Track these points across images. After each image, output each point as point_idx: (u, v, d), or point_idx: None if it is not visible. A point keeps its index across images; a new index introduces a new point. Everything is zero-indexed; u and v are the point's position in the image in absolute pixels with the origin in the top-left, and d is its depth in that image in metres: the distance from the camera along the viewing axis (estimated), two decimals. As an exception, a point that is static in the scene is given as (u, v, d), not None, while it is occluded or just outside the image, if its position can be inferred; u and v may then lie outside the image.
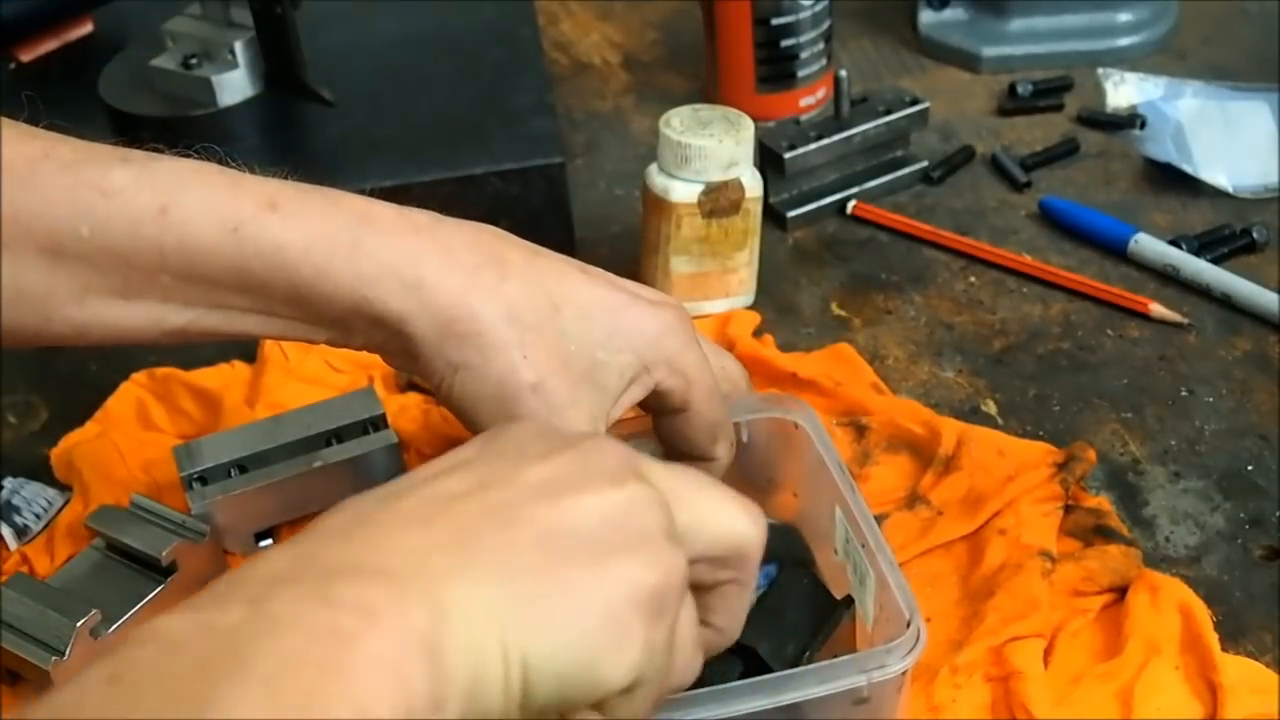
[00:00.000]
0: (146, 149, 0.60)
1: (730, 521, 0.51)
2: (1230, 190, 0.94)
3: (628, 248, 0.91)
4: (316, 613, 0.40)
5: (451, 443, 0.76)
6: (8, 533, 0.75)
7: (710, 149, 0.83)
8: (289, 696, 0.38)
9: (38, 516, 0.76)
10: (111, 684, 0.39)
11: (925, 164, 0.99)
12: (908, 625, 0.57)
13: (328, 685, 0.39)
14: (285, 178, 0.61)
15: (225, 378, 0.83)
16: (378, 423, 0.76)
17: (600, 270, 0.64)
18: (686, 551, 0.48)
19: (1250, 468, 0.76)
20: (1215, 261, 0.88)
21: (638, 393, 0.63)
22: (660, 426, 0.66)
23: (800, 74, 1.03)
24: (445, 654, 0.42)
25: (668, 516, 0.48)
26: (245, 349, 0.84)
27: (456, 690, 0.42)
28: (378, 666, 0.40)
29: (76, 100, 0.96)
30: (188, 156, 0.61)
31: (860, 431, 0.78)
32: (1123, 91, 1.04)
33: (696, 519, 0.50)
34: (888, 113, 0.97)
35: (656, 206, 0.85)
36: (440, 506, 0.46)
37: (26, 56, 1.04)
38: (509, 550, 0.45)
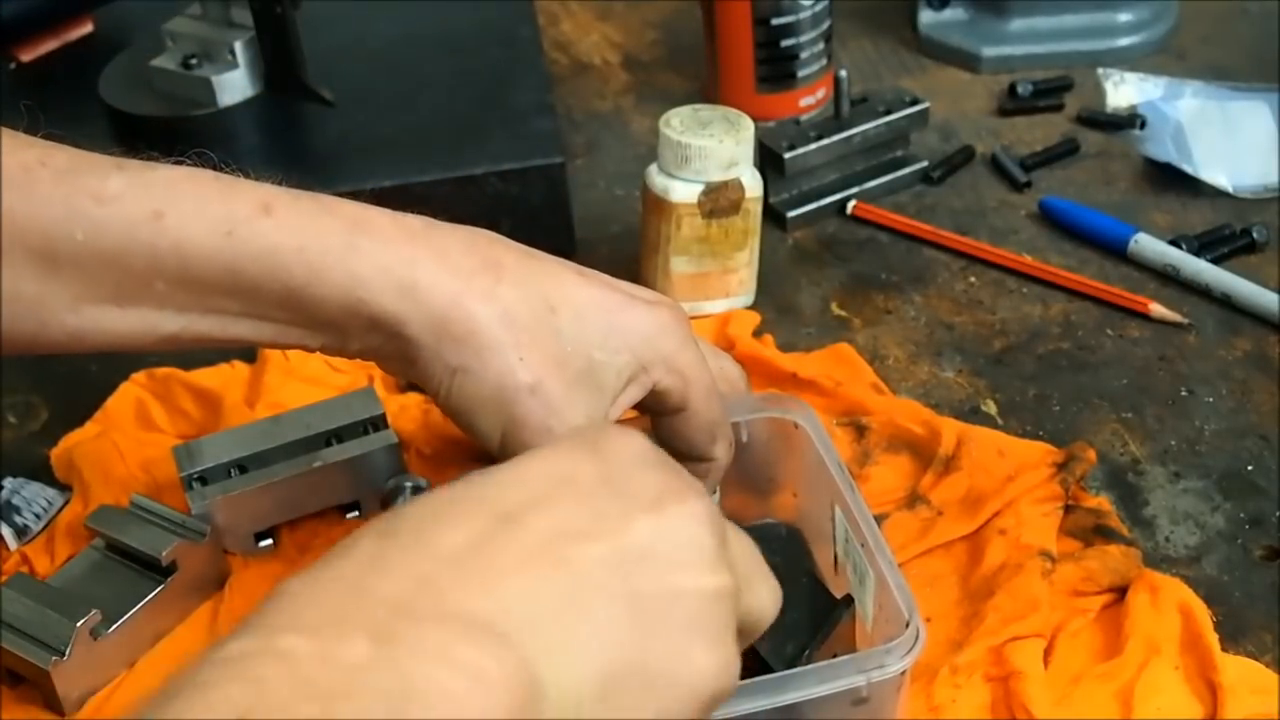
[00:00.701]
0: (142, 158, 0.61)
1: (767, 607, 0.51)
2: (1230, 190, 0.94)
3: (628, 248, 0.91)
4: (440, 671, 0.41)
5: (451, 443, 0.77)
6: (8, 533, 0.75)
7: (710, 149, 0.83)
8: None
9: (38, 516, 0.76)
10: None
11: (925, 164, 0.99)
12: (906, 625, 0.57)
13: None
14: (279, 182, 0.61)
15: (225, 378, 0.83)
16: (378, 423, 0.76)
17: (595, 271, 0.64)
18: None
19: (1250, 468, 0.76)
20: (1215, 261, 0.88)
21: (636, 393, 0.63)
22: (659, 427, 0.66)
23: (800, 74, 1.03)
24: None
25: (735, 610, 0.48)
26: (245, 349, 0.84)
27: None
28: None
29: (76, 100, 0.96)
30: (182, 164, 0.61)
31: (860, 431, 0.78)
32: (1123, 91, 1.04)
33: (750, 606, 0.50)
34: (888, 113, 0.97)
35: (656, 206, 0.85)
36: (554, 550, 0.45)
37: (26, 56, 1.04)
38: (608, 624, 0.45)
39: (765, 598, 0.50)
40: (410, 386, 0.82)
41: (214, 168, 0.61)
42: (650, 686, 0.45)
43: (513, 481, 0.47)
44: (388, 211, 0.62)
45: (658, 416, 0.65)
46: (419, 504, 0.46)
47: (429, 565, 0.44)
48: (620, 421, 0.64)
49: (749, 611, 0.49)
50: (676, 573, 0.46)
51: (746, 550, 0.50)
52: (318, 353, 0.63)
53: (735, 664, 0.47)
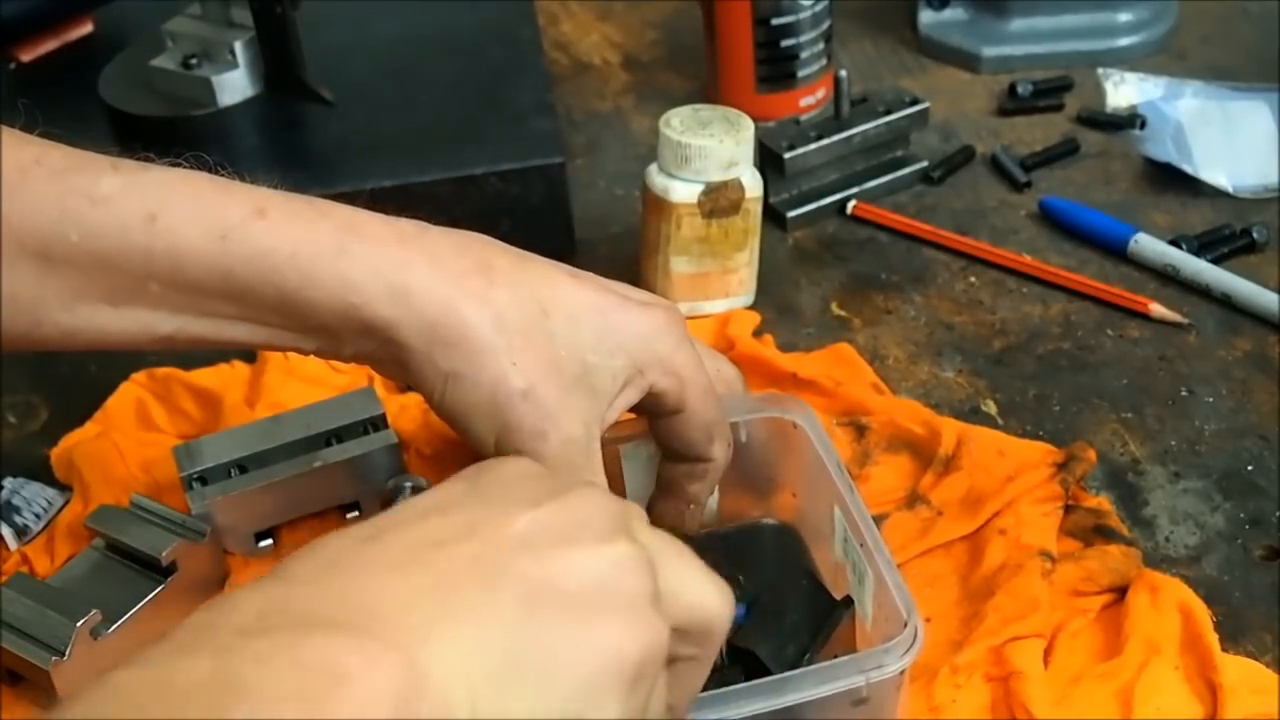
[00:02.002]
0: (138, 158, 0.61)
1: (707, 596, 0.49)
2: (1230, 190, 0.94)
3: (628, 248, 0.91)
4: (284, 673, 0.39)
5: (451, 443, 0.77)
6: (8, 533, 0.75)
7: (710, 149, 0.83)
8: None
9: (38, 516, 0.76)
10: None
11: (925, 164, 0.99)
12: (905, 625, 0.57)
13: None
14: (276, 185, 0.61)
15: (225, 378, 0.83)
16: (378, 423, 0.76)
17: (589, 274, 0.64)
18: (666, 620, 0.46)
19: (1250, 468, 0.76)
20: (1215, 261, 0.88)
21: (632, 395, 0.63)
22: (657, 429, 0.66)
23: (800, 74, 1.03)
24: (418, 715, 0.40)
25: (653, 581, 0.46)
26: (244, 350, 0.84)
27: None
28: None
29: (76, 100, 0.96)
30: (179, 165, 0.61)
31: (860, 431, 0.78)
32: (1123, 91, 1.04)
33: (676, 588, 0.47)
34: (888, 113, 0.97)
35: (656, 206, 0.85)
36: (420, 553, 0.44)
37: (26, 56, 1.04)
38: (490, 606, 0.43)
39: (702, 592, 0.48)
40: (410, 387, 0.82)
41: (210, 169, 0.61)
42: (556, 663, 0.43)
43: (379, 518, 0.46)
44: (380, 215, 0.62)
45: (655, 418, 0.65)
46: (288, 555, 0.45)
47: (280, 589, 0.42)
48: (617, 423, 0.64)
49: (688, 608, 0.47)
50: (565, 551, 0.45)
51: (667, 541, 0.49)
52: (313, 356, 0.63)
53: (653, 632, 0.45)
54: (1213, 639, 0.65)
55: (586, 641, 0.44)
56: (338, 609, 0.41)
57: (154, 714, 0.38)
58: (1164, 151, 0.96)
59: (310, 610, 0.41)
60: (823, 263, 0.93)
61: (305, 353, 0.63)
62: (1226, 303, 0.86)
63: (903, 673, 0.57)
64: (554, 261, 0.64)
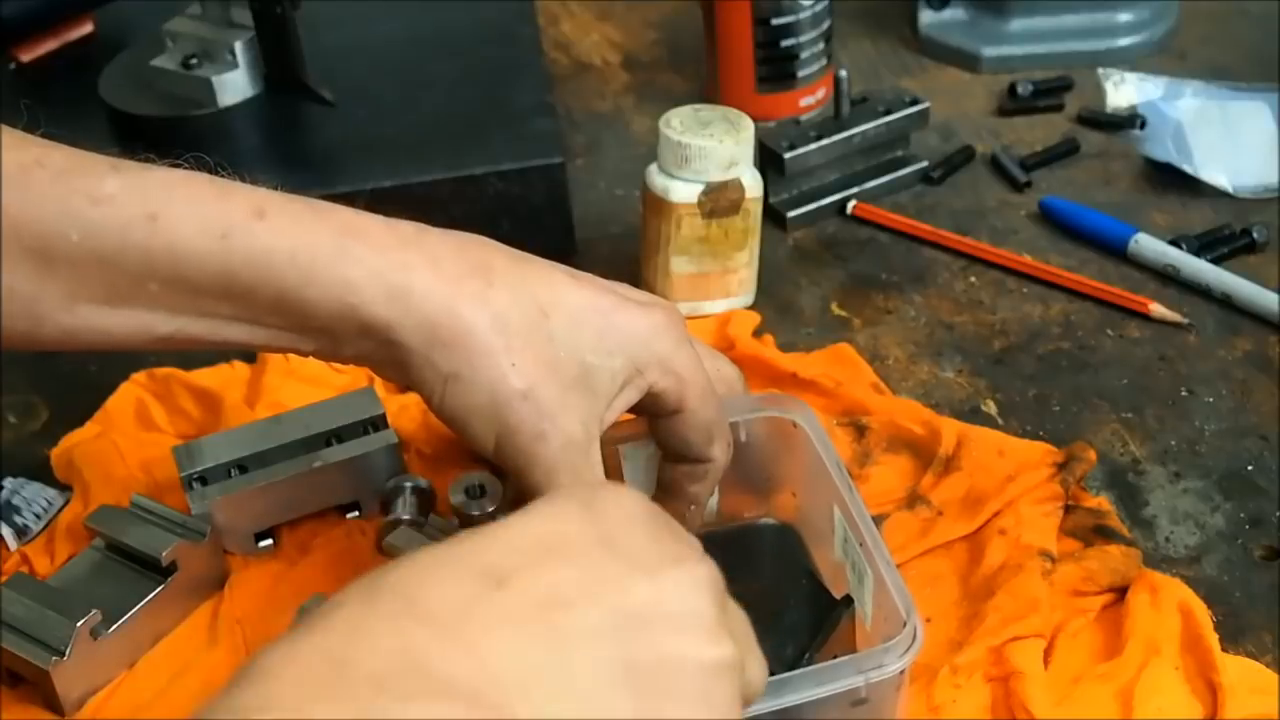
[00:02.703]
0: (139, 159, 0.61)
1: (761, 675, 0.50)
2: (1230, 190, 0.94)
3: (628, 248, 0.91)
4: None
5: (451, 443, 0.77)
6: (8, 533, 0.75)
7: (710, 149, 0.83)
8: None
9: (38, 516, 0.76)
10: None
11: (925, 164, 0.99)
12: (904, 624, 0.57)
13: None
14: (276, 185, 0.61)
15: (225, 378, 0.83)
16: (378, 423, 0.76)
17: (588, 274, 0.64)
18: None
19: (1250, 468, 0.76)
20: (1215, 261, 0.88)
21: (632, 395, 0.63)
22: (656, 429, 0.66)
23: (800, 74, 1.03)
24: None
25: (740, 687, 0.47)
26: (243, 350, 0.84)
27: None
28: None
29: (76, 100, 0.96)
30: (179, 166, 0.61)
31: (860, 431, 0.78)
32: (1123, 91, 1.04)
33: (749, 681, 0.48)
34: (888, 113, 0.97)
35: (656, 206, 0.85)
36: (544, 615, 0.44)
37: (26, 56, 1.04)
38: (604, 691, 0.43)
39: (757, 673, 0.49)
40: (409, 388, 0.82)
41: (210, 170, 0.61)
42: None
43: (502, 541, 0.46)
44: (380, 217, 0.62)
45: (655, 418, 0.65)
46: (405, 562, 0.45)
47: (412, 632, 0.42)
48: (617, 424, 0.64)
49: (745, 685, 0.48)
50: (676, 641, 0.45)
51: (741, 620, 0.49)
52: (311, 357, 0.63)
53: None
54: (1213, 639, 0.65)
55: None
56: (471, 674, 0.42)
57: None
58: (1164, 151, 0.96)
59: (445, 669, 0.42)
60: (823, 263, 0.93)
61: (304, 353, 0.63)
62: (1226, 303, 0.86)
63: (902, 673, 0.57)
64: (553, 263, 0.64)
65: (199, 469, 0.74)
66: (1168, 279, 0.88)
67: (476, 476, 0.74)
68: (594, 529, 0.47)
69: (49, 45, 1.05)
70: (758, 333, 0.86)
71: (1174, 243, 0.90)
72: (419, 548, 0.47)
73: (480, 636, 0.43)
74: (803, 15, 1.01)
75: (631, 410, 0.64)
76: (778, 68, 1.03)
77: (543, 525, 0.47)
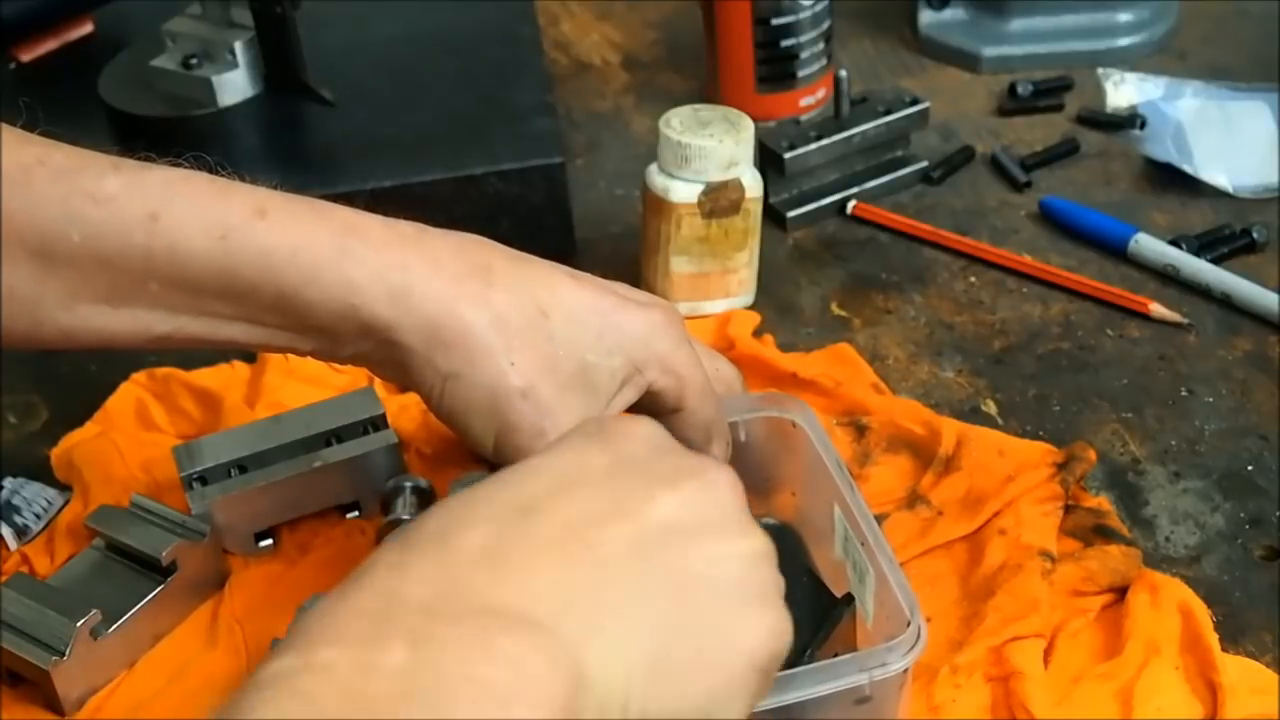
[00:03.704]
0: (139, 158, 0.61)
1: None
2: (1230, 190, 0.94)
3: (628, 248, 0.91)
4: (480, 668, 0.41)
5: (451, 443, 0.77)
6: (8, 533, 0.75)
7: (710, 149, 0.83)
8: None
9: (38, 516, 0.76)
10: None
11: (925, 164, 0.99)
12: (908, 623, 0.57)
13: None
14: (276, 185, 0.61)
15: (225, 378, 0.83)
16: (378, 423, 0.76)
17: (588, 274, 0.64)
18: None
19: (1250, 468, 0.76)
20: (1215, 261, 0.88)
21: (631, 394, 0.63)
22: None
23: (800, 74, 1.03)
24: (580, 713, 0.42)
25: (779, 575, 0.48)
26: (243, 350, 0.84)
27: None
28: None
29: (76, 100, 0.96)
30: (179, 165, 0.61)
31: (860, 431, 0.78)
32: (1123, 91, 1.04)
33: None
34: (888, 113, 0.97)
35: (656, 206, 0.85)
36: (577, 535, 0.45)
37: (26, 56, 1.04)
38: (644, 600, 0.45)
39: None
40: (409, 388, 0.82)
41: (210, 170, 0.61)
42: (703, 659, 0.45)
43: (525, 477, 0.48)
44: (380, 217, 0.62)
45: (654, 418, 0.65)
46: (434, 512, 0.47)
47: (454, 566, 0.44)
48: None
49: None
50: (708, 541, 0.47)
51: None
52: (310, 356, 0.63)
53: (787, 624, 0.47)
54: (1213, 639, 0.65)
55: (732, 637, 0.46)
56: (516, 598, 0.43)
57: (364, 702, 0.40)
58: (1164, 151, 0.96)
59: (492, 597, 0.43)
60: (823, 263, 0.93)
61: (303, 353, 0.63)
62: (1226, 303, 0.86)
63: (905, 671, 0.57)
64: (552, 263, 0.64)
65: (199, 469, 0.74)
66: (1168, 279, 0.88)
67: (476, 476, 0.73)
68: (610, 455, 0.49)
69: (49, 45, 1.05)
70: (758, 333, 0.86)
71: (1174, 243, 0.90)
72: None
73: (519, 564, 0.44)
74: (803, 15, 1.01)
75: (631, 409, 0.64)
76: (778, 68, 1.03)
77: (560, 460, 0.49)
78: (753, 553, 0.47)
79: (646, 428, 0.51)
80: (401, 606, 0.42)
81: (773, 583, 0.48)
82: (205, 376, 0.83)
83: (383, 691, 0.40)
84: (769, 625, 0.47)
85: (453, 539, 0.45)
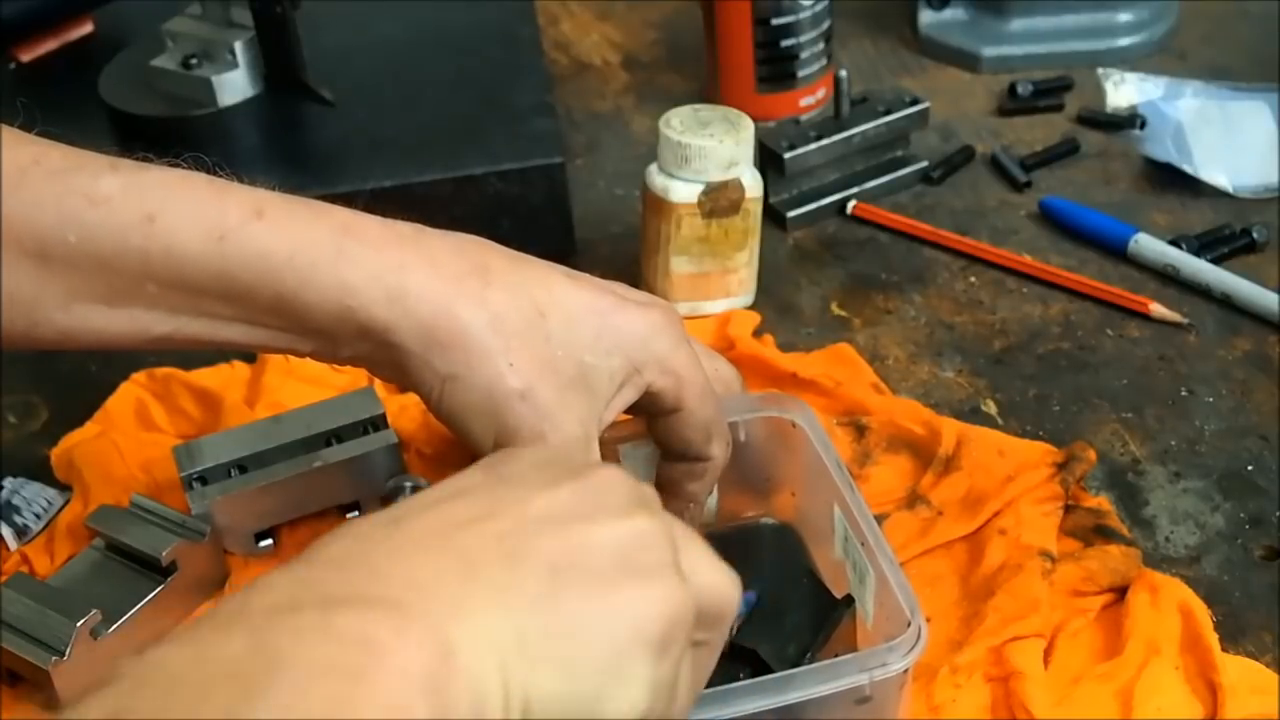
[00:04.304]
0: (136, 159, 0.61)
1: (720, 578, 0.49)
2: (1230, 190, 0.94)
3: (628, 248, 0.91)
4: (320, 646, 0.40)
5: (451, 443, 0.77)
6: (8, 533, 0.75)
7: (710, 149, 0.83)
8: None
9: (38, 516, 0.76)
10: None
11: (925, 164, 0.99)
12: (908, 623, 0.57)
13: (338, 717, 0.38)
14: (274, 186, 0.61)
15: (225, 378, 0.83)
16: (378, 423, 0.76)
17: (586, 275, 0.64)
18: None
19: (1250, 468, 0.76)
20: (1215, 261, 0.88)
21: (630, 395, 0.63)
22: (655, 428, 0.66)
23: (800, 74, 1.03)
24: (448, 692, 0.40)
25: (675, 551, 0.47)
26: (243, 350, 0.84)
27: None
28: (382, 704, 0.39)
29: (76, 100, 0.96)
30: (176, 166, 0.61)
31: (860, 431, 0.78)
32: (1123, 91, 1.04)
33: (691, 568, 0.48)
34: (888, 113, 0.97)
35: (656, 206, 0.85)
36: (445, 534, 0.45)
37: (26, 56, 1.04)
38: (515, 583, 0.44)
39: (715, 574, 0.49)
40: (408, 389, 0.82)
41: (209, 171, 0.61)
42: (581, 634, 0.44)
43: (402, 504, 0.47)
44: (378, 218, 0.62)
45: (653, 417, 0.65)
46: (315, 540, 0.46)
47: (310, 571, 0.43)
48: (616, 423, 0.64)
49: (701, 589, 0.47)
50: (584, 527, 0.46)
51: (680, 524, 0.49)
52: (308, 358, 0.63)
53: (678, 595, 0.46)
54: (1213, 639, 0.65)
55: (612, 609, 0.44)
56: (367, 587, 0.42)
57: (194, 687, 0.39)
58: (1164, 151, 0.96)
59: (340, 589, 0.42)
60: (823, 263, 0.93)
61: (301, 354, 0.63)
62: (1226, 303, 0.86)
63: (906, 671, 0.57)
64: (551, 263, 0.64)
65: (199, 469, 0.74)
66: (1168, 279, 0.88)
67: (476, 476, 0.74)
68: (487, 476, 0.48)
69: (49, 45, 1.05)
70: (758, 333, 0.86)
71: (1174, 243, 0.90)
72: None
73: (379, 562, 0.43)
74: (803, 15, 1.01)
75: (630, 410, 0.64)
76: (778, 68, 1.03)
77: (439, 488, 0.48)
78: (638, 530, 0.46)
79: (535, 451, 0.50)
80: (248, 609, 0.41)
81: (661, 557, 0.46)
82: (205, 376, 0.83)
83: (214, 673, 0.39)
84: (654, 595, 0.45)
85: (315, 554, 0.44)
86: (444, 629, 0.41)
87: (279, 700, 0.38)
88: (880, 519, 0.72)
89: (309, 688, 0.39)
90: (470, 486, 0.48)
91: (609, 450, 0.66)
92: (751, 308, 0.88)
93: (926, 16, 1.12)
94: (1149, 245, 0.89)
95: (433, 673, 0.40)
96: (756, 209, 0.86)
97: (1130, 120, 1.01)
